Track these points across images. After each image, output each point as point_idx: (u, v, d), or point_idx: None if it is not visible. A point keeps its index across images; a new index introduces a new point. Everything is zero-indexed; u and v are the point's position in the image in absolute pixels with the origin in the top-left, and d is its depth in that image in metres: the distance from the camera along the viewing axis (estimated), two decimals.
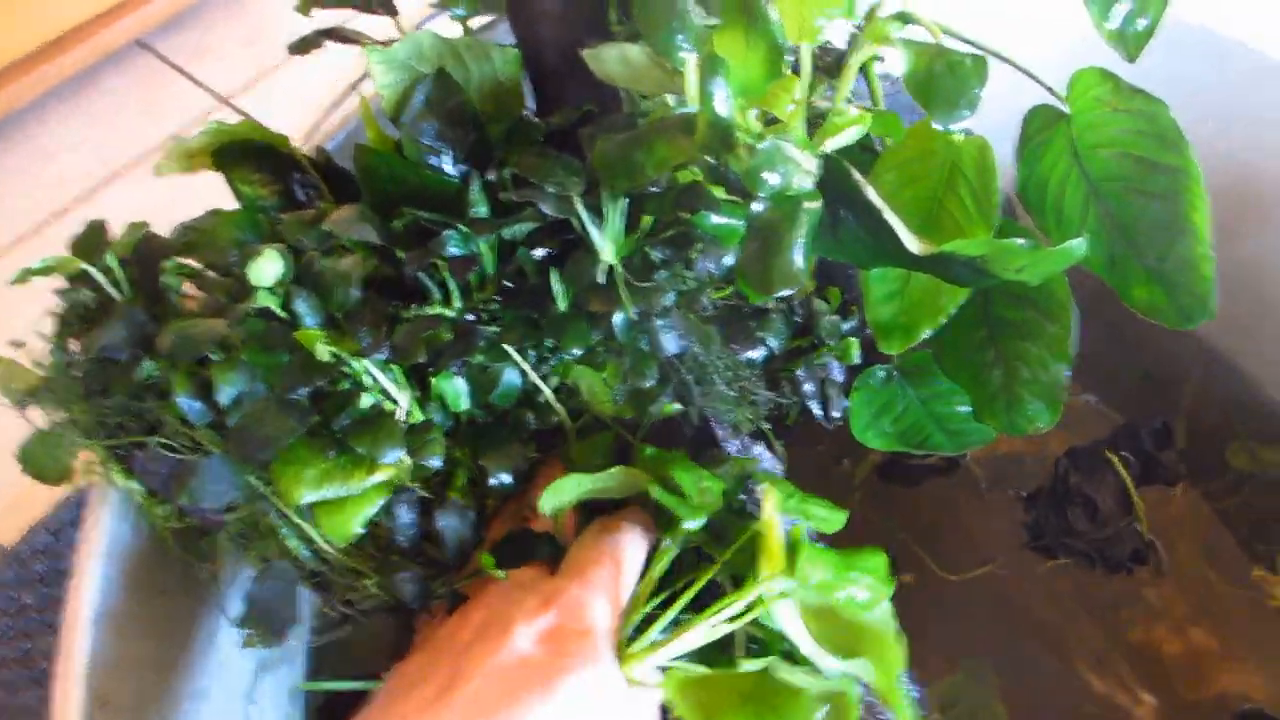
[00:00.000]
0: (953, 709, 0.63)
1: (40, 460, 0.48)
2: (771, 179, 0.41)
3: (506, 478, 0.47)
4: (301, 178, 0.53)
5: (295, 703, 0.53)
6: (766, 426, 0.56)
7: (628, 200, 0.47)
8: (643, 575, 0.44)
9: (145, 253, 0.46)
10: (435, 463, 0.44)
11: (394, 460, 0.42)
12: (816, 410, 0.55)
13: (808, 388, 0.54)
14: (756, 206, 0.41)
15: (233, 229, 0.49)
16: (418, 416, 0.45)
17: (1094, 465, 0.68)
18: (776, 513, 0.41)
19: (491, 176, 0.50)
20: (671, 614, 0.42)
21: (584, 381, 0.50)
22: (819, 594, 0.41)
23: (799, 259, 0.41)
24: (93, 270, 0.43)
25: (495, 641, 0.39)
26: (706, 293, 0.50)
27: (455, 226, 0.47)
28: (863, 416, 0.58)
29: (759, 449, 0.56)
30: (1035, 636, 0.67)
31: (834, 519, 0.48)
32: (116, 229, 0.49)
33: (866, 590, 0.43)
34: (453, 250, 0.47)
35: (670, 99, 0.56)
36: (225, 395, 0.40)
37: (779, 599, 0.40)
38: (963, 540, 0.69)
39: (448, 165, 0.49)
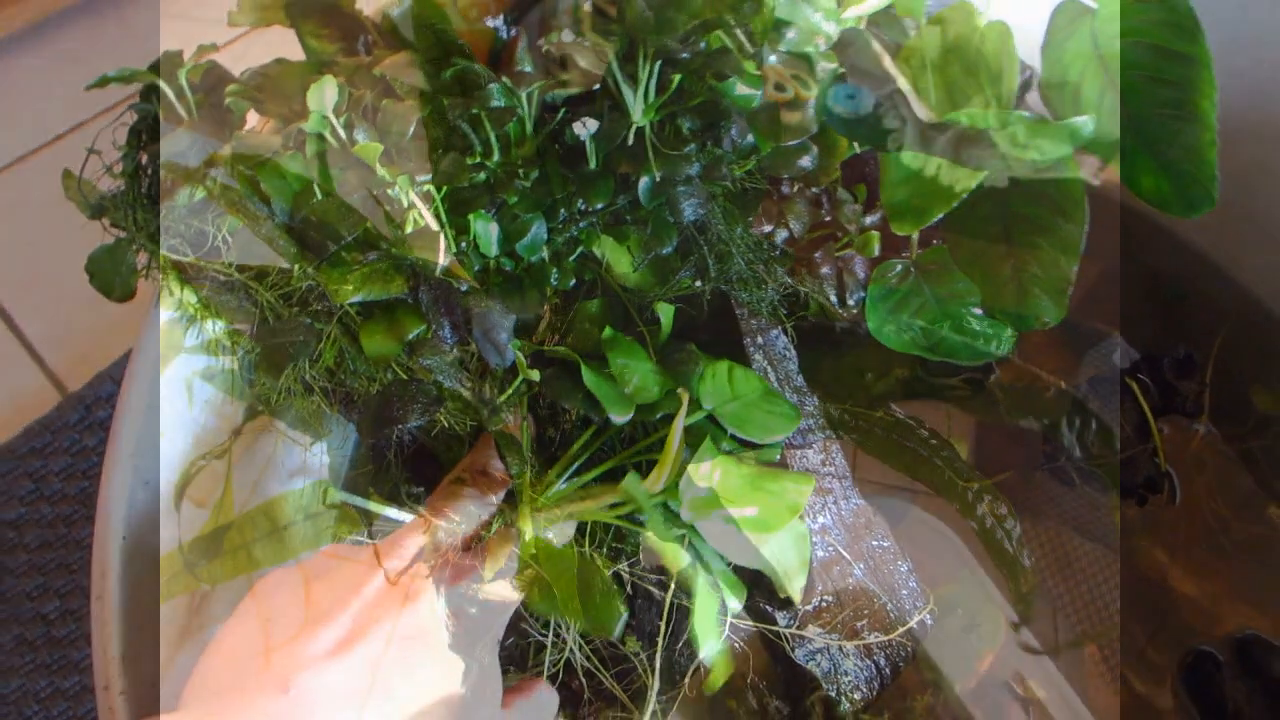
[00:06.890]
0: (953, 614, 0.65)
1: (107, 272, 0.53)
2: (789, 34, 0.43)
3: (527, 316, 0.50)
4: (366, 39, 0.57)
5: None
6: (783, 313, 0.58)
7: (660, 63, 0.50)
8: (571, 448, 0.50)
9: (212, 80, 0.50)
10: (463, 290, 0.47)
11: (441, 269, 0.46)
12: (831, 296, 0.57)
13: (825, 270, 0.56)
14: (772, 58, 0.44)
15: (297, 77, 0.53)
16: (453, 248, 0.49)
17: (1114, 392, 0.69)
18: (682, 424, 0.47)
19: (540, 43, 0.53)
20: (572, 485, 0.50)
21: (607, 249, 0.54)
22: (703, 502, 0.46)
23: (810, 112, 0.43)
24: (165, 86, 0.47)
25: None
26: (727, 163, 0.52)
27: (500, 79, 0.50)
28: (879, 311, 0.60)
29: (775, 333, 0.59)
30: (1040, 554, 0.68)
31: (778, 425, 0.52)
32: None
33: (758, 511, 0.47)
34: (496, 102, 0.50)
35: None
36: (280, 197, 0.44)
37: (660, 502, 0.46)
38: (979, 459, 0.71)
39: (499, 25, 0.52)
